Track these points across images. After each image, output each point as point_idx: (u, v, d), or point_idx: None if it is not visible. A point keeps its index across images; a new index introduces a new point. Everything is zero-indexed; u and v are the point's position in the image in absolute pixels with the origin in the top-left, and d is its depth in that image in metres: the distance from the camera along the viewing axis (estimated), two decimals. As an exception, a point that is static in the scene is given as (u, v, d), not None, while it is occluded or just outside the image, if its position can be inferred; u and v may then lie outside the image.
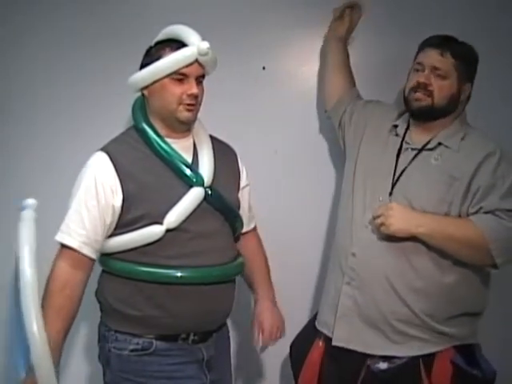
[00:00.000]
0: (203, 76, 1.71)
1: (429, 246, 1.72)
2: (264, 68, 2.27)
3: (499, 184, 1.71)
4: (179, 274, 1.64)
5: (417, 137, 1.85)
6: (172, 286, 1.65)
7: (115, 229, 1.67)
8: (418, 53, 1.86)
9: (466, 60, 1.80)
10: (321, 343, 1.89)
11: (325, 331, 1.87)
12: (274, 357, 2.22)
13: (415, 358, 1.73)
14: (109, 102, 2.19)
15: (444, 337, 1.74)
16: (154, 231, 1.63)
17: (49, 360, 1.41)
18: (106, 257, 1.71)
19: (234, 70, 2.19)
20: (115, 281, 1.69)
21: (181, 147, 1.73)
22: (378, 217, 1.73)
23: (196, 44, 1.64)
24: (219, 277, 1.71)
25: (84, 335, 2.23)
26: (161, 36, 1.75)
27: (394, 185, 1.80)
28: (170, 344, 1.67)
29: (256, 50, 2.25)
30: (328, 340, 1.86)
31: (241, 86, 2.25)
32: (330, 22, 2.15)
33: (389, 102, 2.15)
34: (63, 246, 1.65)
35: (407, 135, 1.86)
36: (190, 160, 1.73)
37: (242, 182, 1.88)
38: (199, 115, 1.78)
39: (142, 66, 1.71)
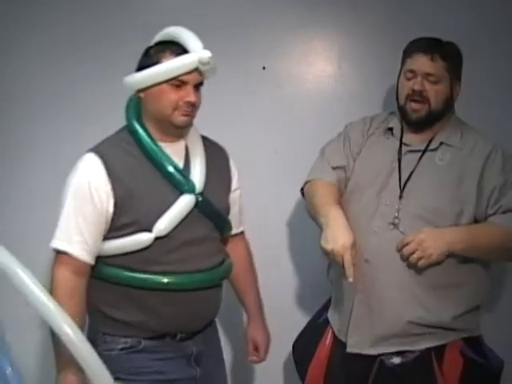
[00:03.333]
0: (202, 83, 1.68)
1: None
2: (264, 68, 2.27)
3: (510, 180, 1.73)
4: (166, 280, 1.63)
5: (414, 138, 1.84)
6: (159, 291, 1.65)
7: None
8: (404, 58, 1.84)
9: (454, 60, 1.81)
10: (328, 342, 1.89)
11: (340, 336, 1.85)
12: (274, 356, 2.22)
13: (427, 351, 1.74)
14: (109, 102, 2.18)
15: (454, 331, 1.75)
16: (143, 239, 1.61)
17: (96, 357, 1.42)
18: None
19: (234, 70, 2.19)
20: (102, 285, 1.67)
21: (173, 151, 1.70)
22: (412, 253, 1.69)
23: (197, 52, 1.61)
24: (206, 282, 1.70)
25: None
26: (160, 37, 1.71)
27: (403, 189, 1.78)
28: (158, 342, 1.67)
29: (256, 50, 2.25)
30: (338, 342, 1.85)
31: (241, 86, 2.25)
32: None
33: (387, 100, 2.15)
34: (61, 252, 1.61)
35: (404, 137, 1.85)
36: (181, 164, 1.70)
37: (233, 185, 1.85)
38: (198, 115, 1.78)
39: (140, 67, 1.67)
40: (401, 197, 1.78)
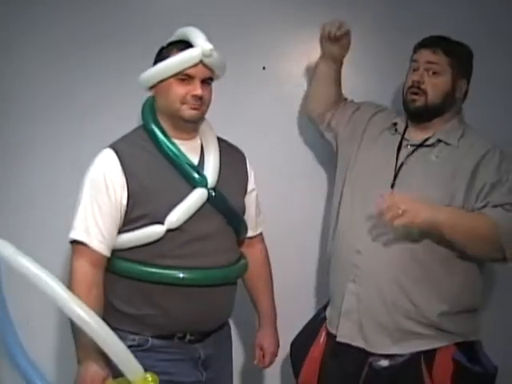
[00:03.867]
0: (211, 78, 1.72)
1: (434, 242, 1.72)
2: (264, 68, 2.28)
3: (505, 179, 1.72)
4: (181, 275, 1.65)
5: (416, 135, 1.86)
6: (171, 286, 1.65)
7: None
8: (412, 54, 1.88)
9: (458, 57, 1.82)
10: (322, 340, 1.90)
11: (332, 330, 1.88)
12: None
13: (416, 355, 1.74)
14: (108, 102, 2.19)
15: (445, 334, 1.75)
16: (155, 231, 1.64)
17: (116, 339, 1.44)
18: None
19: (234, 70, 2.19)
20: (114, 278, 1.69)
21: (188, 148, 1.73)
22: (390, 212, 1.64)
23: (201, 45, 1.65)
24: (221, 279, 1.71)
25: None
26: (173, 37, 1.77)
27: (394, 179, 1.81)
28: (166, 342, 1.68)
29: (256, 50, 2.25)
30: (331, 337, 1.87)
31: (241, 86, 2.25)
32: (323, 42, 2.04)
33: (387, 100, 2.16)
34: (78, 243, 1.63)
35: (406, 133, 1.88)
36: (196, 161, 1.73)
37: (250, 186, 1.88)
38: (206, 117, 1.79)
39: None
40: (392, 186, 1.80)
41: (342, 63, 2.08)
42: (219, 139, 1.83)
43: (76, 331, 1.58)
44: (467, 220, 1.70)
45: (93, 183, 1.65)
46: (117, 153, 1.67)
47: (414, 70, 1.83)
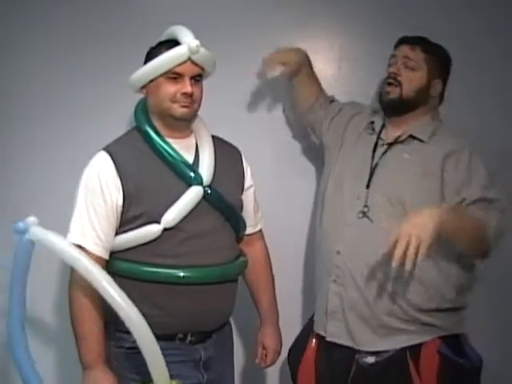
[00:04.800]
0: (200, 75, 1.72)
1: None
2: (264, 68, 2.27)
3: (477, 176, 1.74)
4: (181, 274, 1.65)
5: (391, 133, 1.89)
6: (171, 285, 1.65)
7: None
8: (393, 51, 1.92)
9: (435, 56, 1.86)
10: (313, 343, 1.91)
11: (319, 331, 1.89)
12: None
13: (402, 350, 1.75)
14: (108, 102, 2.19)
15: (430, 328, 1.76)
16: (152, 230, 1.64)
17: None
18: None
19: (234, 70, 2.19)
20: (115, 279, 1.68)
21: (182, 147, 1.73)
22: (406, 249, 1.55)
23: (187, 42, 1.65)
24: (221, 276, 1.72)
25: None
26: (162, 37, 1.77)
27: (370, 179, 1.83)
28: (167, 343, 1.67)
29: (256, 50, 2.25)
30: (321, 339, 1.88)
31: (241, 86, 2.25)
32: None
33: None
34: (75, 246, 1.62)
35: (383, 132, 1.91)
36: (191, 160, 1.73)
37: (246, 183, 1.88)
38: (201, 115, 1.78)
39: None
40: (368, 186, 1.82)
41: (306, 67, 2.12)
42: (214, 137, 1.83)
43: (81, 335, 1.60)
44: (465, 217, 1.69)
45: (88, 187, 1.66)
46: (111, 155, 1.67)
47: (392, 64, 1.88)
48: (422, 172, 1.77)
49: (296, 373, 1.95)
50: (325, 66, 2.27)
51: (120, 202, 1.65)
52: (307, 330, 1.98)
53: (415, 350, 1.74)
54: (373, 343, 1.77)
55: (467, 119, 2.16)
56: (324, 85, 2.22)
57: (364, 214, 1.79)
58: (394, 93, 1.84)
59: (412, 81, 1.83)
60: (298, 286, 2.31)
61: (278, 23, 2.26)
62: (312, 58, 2.19)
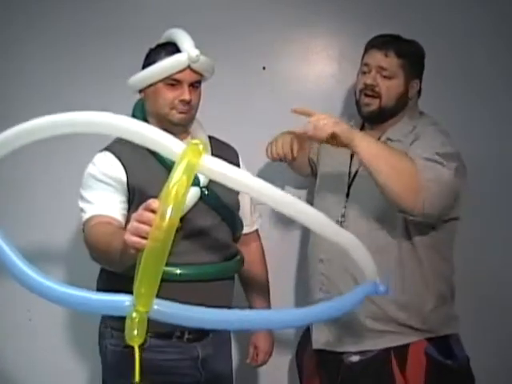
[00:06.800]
0: (199, 82, 1.73)
1: (394, 243, 1.73)
2: (264, 68, 2.28)
3: (430, 140, 1.69)
4: (178, 272, 1.65)
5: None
6: (168, 283, 1.65)
7: None
8: (363, 54, 1.86)
9: (411, 57, 1.79)
10: (309, 349, 1.91)
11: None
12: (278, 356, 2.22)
13: (386, 350, 1.75)
14: (108, 102, 2.18)
15: (414, 330, 1.75)
16: None
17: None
18: None
19: (234, 70, 2.19)
20: (111, 277, 1.68)
21: None
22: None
23: (188, 51, 1.65)
24: (217, 274, 1.72)
25: (88, 334, 2.24)
26: (162, 39, 1.77)
27: (349, 187, 1.82)
28: (165, 341, 1.68)
29: (256, 50, 2.25)
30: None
31: (241, 86, 2.25)
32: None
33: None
34: (88, 221, 1.62)
35: None
36: None
37: None
38: (199, 116, 1.78)
39: (142, 68, 1.73)
40: (347, 195, 1.82)
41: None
42: (211, 137, 1.83)
43: (107, 251, 1.48)
44: (387, 149, 1.65)
45: (95, 180, 1.65)
46: (113, 153, 1.68)
47: (366, 73, 1.81)
48: None
49: (301, 375, 1.98)
50: (325, 66, 2.27)
51: (125, 196, 1.65)
52: (306, 332, 1.97)
53: (402, 350, 1.74)
54: (358, 345, 1.77)
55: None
56: (324, 85, 2.22)
57: (341, 224, 1.76)
58: (373, 104, 1.79)
59: (390, 89, 1.77)
60: (292, 287, 2.31)
61: (278, 23, 2.26)
62: (312, 57, 2.20)
